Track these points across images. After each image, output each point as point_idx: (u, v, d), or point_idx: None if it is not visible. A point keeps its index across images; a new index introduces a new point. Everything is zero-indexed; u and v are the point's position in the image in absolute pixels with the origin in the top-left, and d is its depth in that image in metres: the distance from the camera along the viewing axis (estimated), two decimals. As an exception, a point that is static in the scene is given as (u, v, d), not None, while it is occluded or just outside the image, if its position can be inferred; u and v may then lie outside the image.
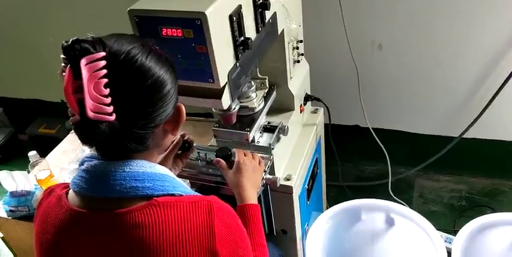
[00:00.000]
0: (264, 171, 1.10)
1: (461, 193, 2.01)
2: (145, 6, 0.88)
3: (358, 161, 2.20)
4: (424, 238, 1.33)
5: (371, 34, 1.84)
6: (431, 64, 1.84)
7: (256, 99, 1.24)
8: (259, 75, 1.29)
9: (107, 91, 0.63)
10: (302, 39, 1.48)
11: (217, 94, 0.95)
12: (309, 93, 1.56)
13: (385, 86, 1.96)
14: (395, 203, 1.43)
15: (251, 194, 0.98)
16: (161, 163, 0.89)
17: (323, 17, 1.83)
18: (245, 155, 1.06)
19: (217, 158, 1.08)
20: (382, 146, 1.83)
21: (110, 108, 0.64)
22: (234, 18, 0.92)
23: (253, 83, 1.25)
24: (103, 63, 0.63)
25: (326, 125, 1.75)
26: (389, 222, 1.44)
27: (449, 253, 1.27)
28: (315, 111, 1.57)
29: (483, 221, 1.37)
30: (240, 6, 0.93)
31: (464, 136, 1.87)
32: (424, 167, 1.95)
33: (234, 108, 1.12)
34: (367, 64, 1.90)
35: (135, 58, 0.67)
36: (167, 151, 1.02)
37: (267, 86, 1.29)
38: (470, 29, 1.70)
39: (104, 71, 0.63)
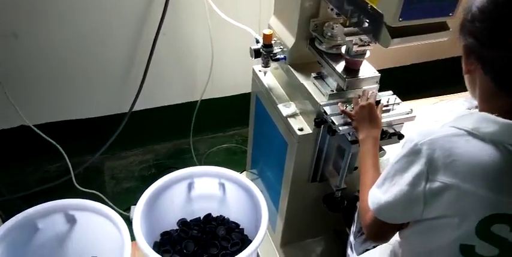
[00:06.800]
0: None
1: (149, 162, 2.12)
2: None
3: (39, 163, 2.00)
4: (107, 223, 1.33)
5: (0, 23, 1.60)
6: (77, 45, 1.76)
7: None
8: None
9: None
10: None
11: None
12: None
13: (34, 77, 1.78)
14: (70, 200, 1.35)
15: None
16: None
17: None
18: None
19: None
20: (51, 140, 1.70)
21: None
22: None
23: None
24: None
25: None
26: (70, 220, 1.36)
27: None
28: None
29: (160, 183, 1.45)
30: None
31: (134, 109, 1.93)
32: (108, 148, 1.93)
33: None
34: (5, 57, 1.67)
35: None
36: None
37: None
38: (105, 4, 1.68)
39: None
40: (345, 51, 1.15)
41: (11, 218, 1.28)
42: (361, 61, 1.16)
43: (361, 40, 1.09)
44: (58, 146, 1.70)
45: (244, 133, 2.23)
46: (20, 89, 1.74)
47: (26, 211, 1.30)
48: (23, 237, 1.30)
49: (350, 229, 1.27)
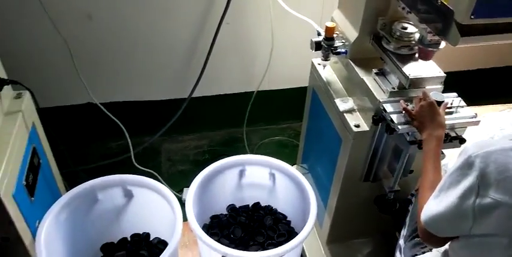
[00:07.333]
0: None
1: (204, 148, 2.18)
2: None
3: (103, 139, 2.12)
4: (162, 202, 1.39)
5: (76, 4, 1.71)
6: (146, 30, 1.85)
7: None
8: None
9: None
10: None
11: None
12: (3, 77, 1.36)
13: (103, 58, 1.88)
14: (129, 175, 1.43)
15: None
16: None
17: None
18: None
19: None
20: (115, 119, 1.80)
21: None
22: None
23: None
24: None
25: (46, 109, 1.59)
26: (128, 195, 1.44)
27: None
28: (18, 96, 1.38)
29: (213, 167, 1.49)
30: None
31: (193, 96, 1.99)
32: (166, 131, 2.00)
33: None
34: (79, 37, 1.78)
35: None
36: None
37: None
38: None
39: None
40: (418, 39, 1.11)
41: (75, 187, 1.37)
42: (434, 52, 1.10)
43: (436, 28, 1.03)
44: (121, 125, 1.80)
45: (297, 127, 2.23)
46: (90, 68, 1.85)
47: (88, 182, 1.39)
48: (84, 206, 1.40)
49: (399, 232, 1.25)
